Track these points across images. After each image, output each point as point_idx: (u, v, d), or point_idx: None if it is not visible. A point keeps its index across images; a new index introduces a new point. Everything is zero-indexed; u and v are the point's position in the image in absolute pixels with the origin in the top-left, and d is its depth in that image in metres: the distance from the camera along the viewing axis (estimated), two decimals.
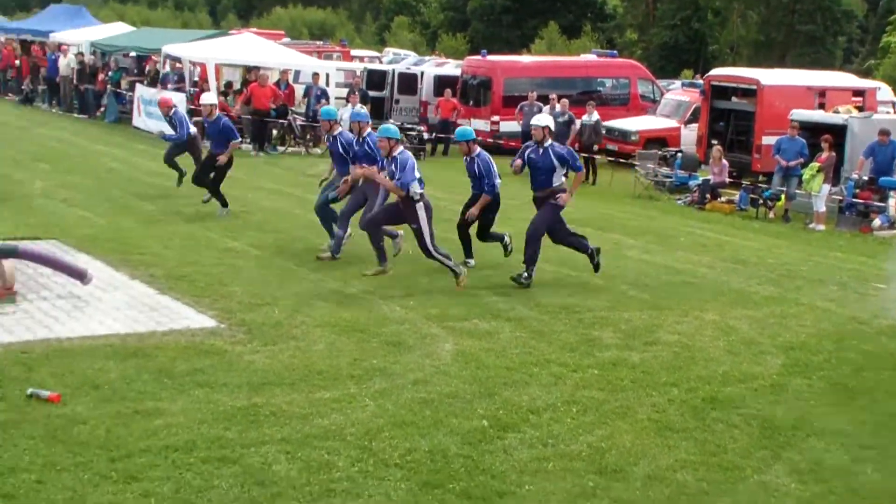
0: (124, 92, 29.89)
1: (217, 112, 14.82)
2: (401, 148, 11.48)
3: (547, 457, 6.76)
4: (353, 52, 43.68)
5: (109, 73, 30.67)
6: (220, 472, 6.13)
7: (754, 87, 23.40)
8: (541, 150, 11.72)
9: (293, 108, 26.08)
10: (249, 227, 14.25)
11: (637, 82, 30.06)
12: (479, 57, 30.46)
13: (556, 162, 11.62)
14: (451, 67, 34.27)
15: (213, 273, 11.27)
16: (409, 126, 27.31)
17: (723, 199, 20.40)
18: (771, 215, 19.35)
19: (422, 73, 32.14)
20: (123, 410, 6.97)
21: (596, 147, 23.46)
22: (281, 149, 25.35)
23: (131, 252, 11.82)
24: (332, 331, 9.36)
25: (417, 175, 11.24)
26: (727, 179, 20.73)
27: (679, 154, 23.41)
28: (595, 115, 23.51)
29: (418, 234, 11.31)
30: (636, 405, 7.93)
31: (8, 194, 15.01)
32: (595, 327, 10.17)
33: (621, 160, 24.13)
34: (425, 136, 26.84)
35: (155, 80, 27.52)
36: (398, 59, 44.78)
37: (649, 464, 6.78)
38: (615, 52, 35.65)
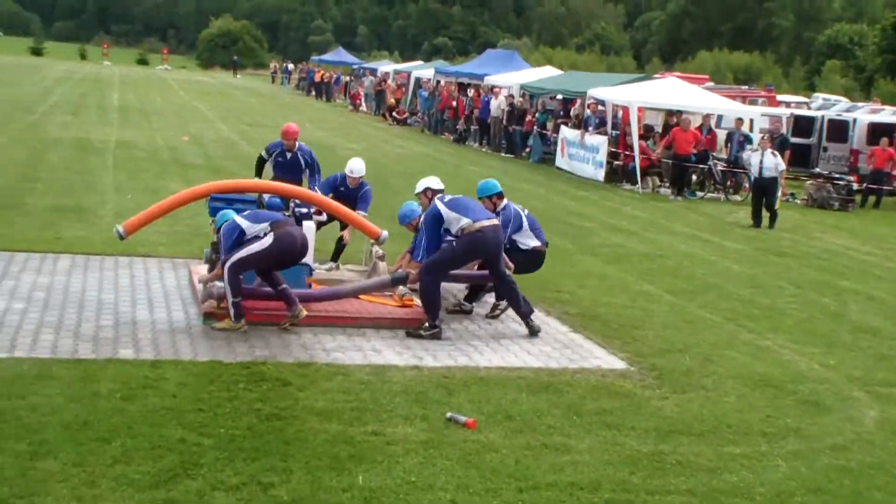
0: (549, 133, 31.05)
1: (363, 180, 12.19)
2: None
3: None
4: (779, 98, 42.44)
5: (536, 115, 32.02)
6: None
7: None
8: None
9: (714, 154, 25.74)
10: (664, 271, 14.18)
11: None
12: None
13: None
14: (888, 114, 32.30)
15: (625, 315, 11.32)
16: (838, 175, 26.01)
17: None
18: None
19: (854, 120, 30.60)
20: (533, 443, 7.15)
21: None
22: (700, 194, 25.08)
23: (547, 289, 12.15)
24: (745, 383, 9.05)
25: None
26: None
27: None
28: None
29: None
30: None
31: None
32: None
33: None
34: (854, 186, 25.42)
35: (580, 123, 28.31)
36: (827, 105, 42.91)
37: None
38: None
